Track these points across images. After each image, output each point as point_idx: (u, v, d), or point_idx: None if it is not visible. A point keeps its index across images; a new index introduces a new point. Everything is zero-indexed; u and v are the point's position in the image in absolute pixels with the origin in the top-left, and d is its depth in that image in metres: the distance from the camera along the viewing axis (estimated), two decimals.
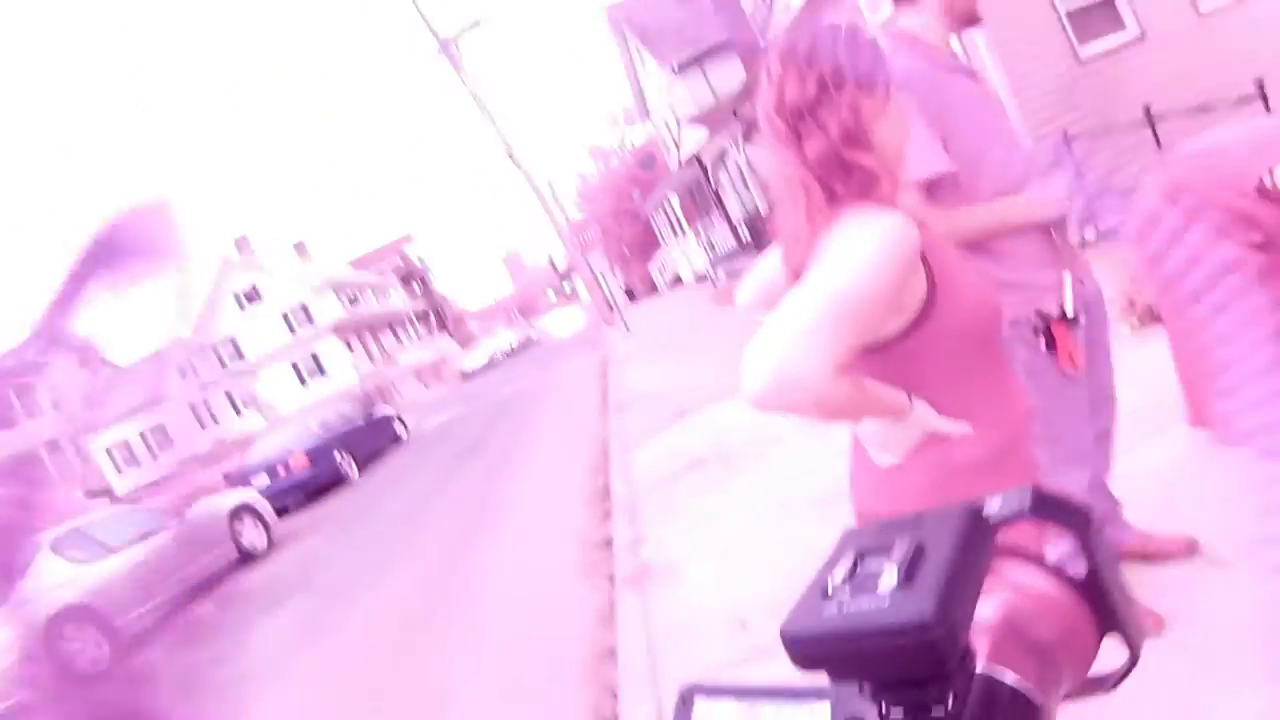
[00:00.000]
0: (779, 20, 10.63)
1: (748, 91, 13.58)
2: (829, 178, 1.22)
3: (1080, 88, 7.29)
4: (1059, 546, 0.47)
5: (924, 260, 1.22)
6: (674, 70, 21.33)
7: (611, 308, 22.38)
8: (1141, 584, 2.20)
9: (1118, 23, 7.60)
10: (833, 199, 1.22)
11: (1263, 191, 2.40)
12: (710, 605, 3.40)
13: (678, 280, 28.23)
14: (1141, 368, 3.65)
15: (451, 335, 55.63)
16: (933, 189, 1.85)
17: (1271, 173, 2.36)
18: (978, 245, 1.85)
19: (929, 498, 1.24)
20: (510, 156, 20.25)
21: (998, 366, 1.36)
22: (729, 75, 19.30)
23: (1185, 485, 2.71)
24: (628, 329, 18.34)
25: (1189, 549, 2.32)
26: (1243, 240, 2.45)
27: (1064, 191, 2.02)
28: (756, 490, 4.45)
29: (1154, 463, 2.90)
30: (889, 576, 0.39)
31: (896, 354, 1.24)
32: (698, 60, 20.86)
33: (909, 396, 1.25)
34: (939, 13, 1.97)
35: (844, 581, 0.40)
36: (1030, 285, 1.92)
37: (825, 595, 0.40)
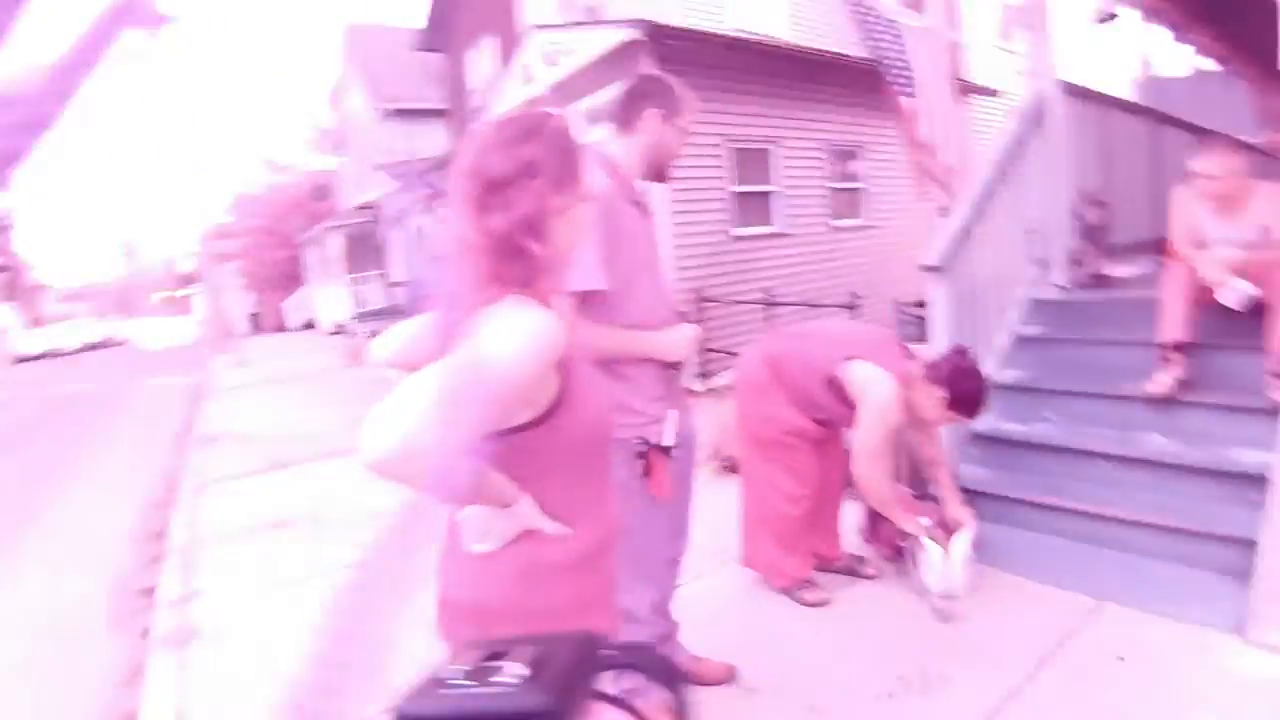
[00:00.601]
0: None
1: (446, 161, 13.64)
2: (500, 257, 1.23)
3: (727, 259, 8.41)
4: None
5: (562, 363, 1.26)
6: (383, 113, 20.77)
7: (229, 333, 20.09)
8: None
9: (767, 219, 9.00)
10: (498, 278, 1.22)
11: (829, 380, 2.88)
12: (257, 680, 2.97)
13: (310, 325, 26.22)
14: (715, 508, 4.15)
15: (18, 307, 45.46)
16: (584, 301, 1.96)
17: (837, 368, 2.86)
18: (606, 364, 1.96)
19: (513, 591, 1.28)
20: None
21: (602, 478, 1.42)
22: (433, 139, 19.22)
23: (731, 618, 3.03)
24: (241, 360, 16.51)
25: (729, 675, 2.59)
26: (810, 414, 2.95)
27: (690, 340, 2.21)
28: (343, 561, 4.09)
29: (709, 594, 3.20)
30: (514, 671, 0.46)
31: (517, 445, 1.25)
32: (410, 113, 20.56)
33: (518, 489, 1.26)
34: (640, 152, 2.16)
35: (465, 676, 0.46)
36: (642, 412, 2.08)
37: (444, 685, 0.45)
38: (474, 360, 1.14)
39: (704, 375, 7.70)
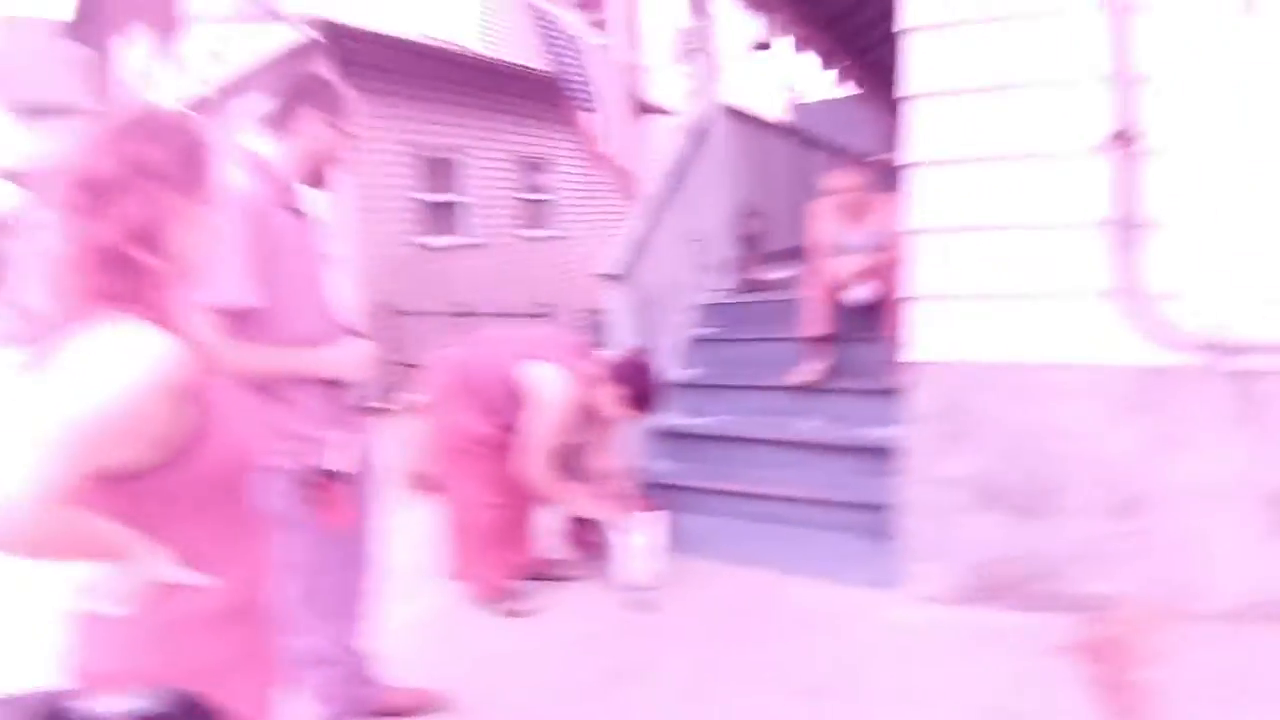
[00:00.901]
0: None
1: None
2: (105, 267, 1.04)
3: (417, 270, 8.13)
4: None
5: (195, 392, 1.09)
6: (15, 112, 17.52)
7: None
8: None
9: (457, 229, 8.87)
10: (101, 294, 1.04)
11: (507, 383, 2.92)
12: None
13: None
14: (414, 527, 3.97)
15: None
16: (236, 320, 1.79)
17: (513, 370, 2.90)
18: (265, 387, 1.81)
19: (154, 654, 1.11)
20: None
21: (249, 517, 1.26)
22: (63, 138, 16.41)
23: (440, 639, 2.91)
24: None
25: (431, 702, 2.45)
26: (495, 421, 2.93)
27: (364, 357, 2.05)
28: None
29: (414, 617, 3.04)
30: None
31: (144, 490, 1.07)
32: (49, 112, 17.52)
33: (143, 539, 1.07)
34: (298, 156, 2.00)
35: None
36: (310, 439, 1.91)
37: None
38: (65, 395, 0.96)
39: (396, 390, 7.37)
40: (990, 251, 2.73)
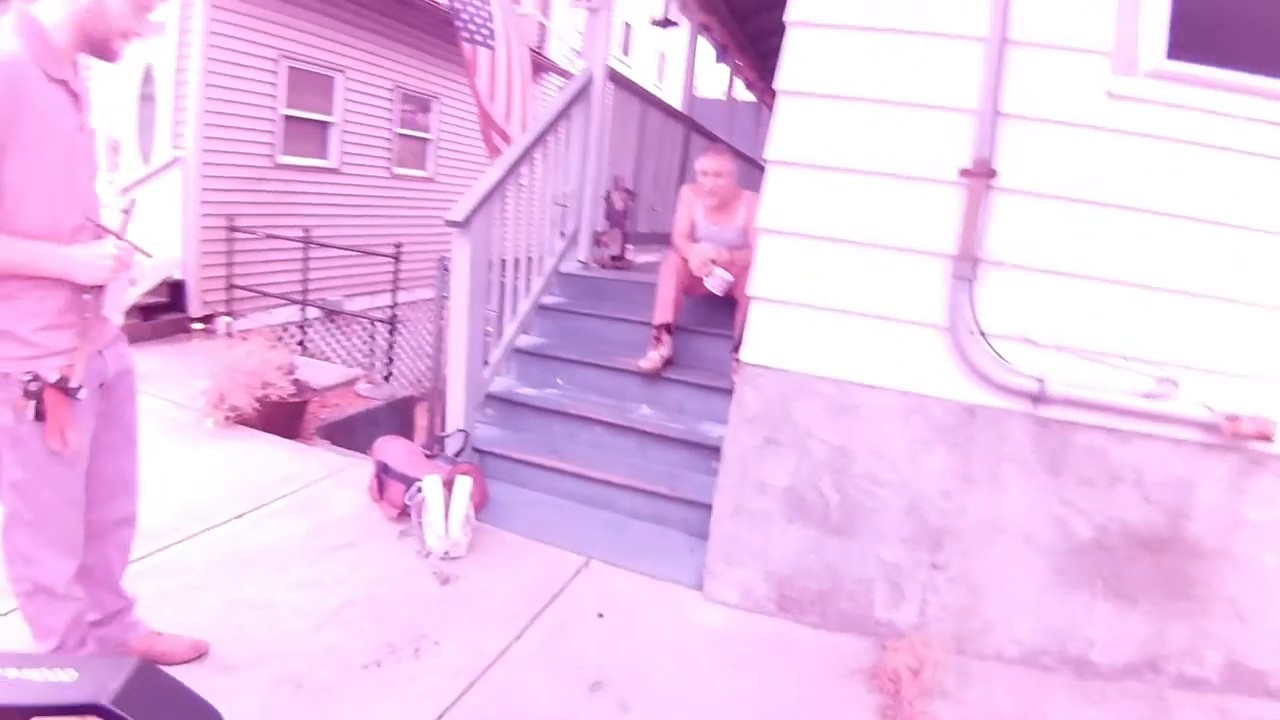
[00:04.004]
0: None
1: None
2: None
3: (267, 188, 7.52)
4: None
5: None
6: None
7: None
8: None
9: (322, 151, 8.27)
10: None
11: None
12: None
13: None
14: (212, 464, 3.67)
15: None
16: None
17: None
18: None
19: None
20: None
21: None
22: None
23: (213, 586, 2.66)
24: None
25: (194, 652, 2.27)
26: None
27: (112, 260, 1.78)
28: None
29: (185, 560, 2.78)
30: None
31: None
32: None
33: None
34: (72, 20, 1.70)
35: None
36: (38, 345, 1.71)
37: None
38: None
39: (229, 315, 6.81)
40: (831, 263, 2.71)
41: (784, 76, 2.67)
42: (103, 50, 1.78)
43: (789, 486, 2.81)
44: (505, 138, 5.66)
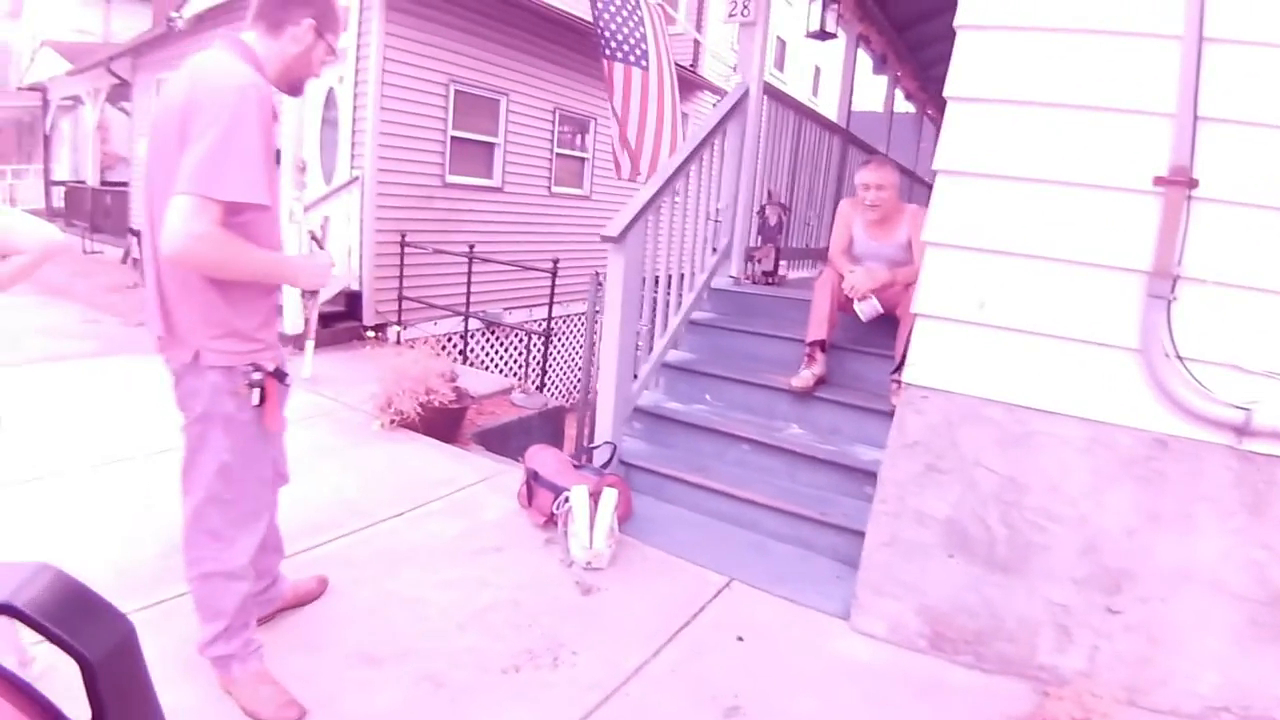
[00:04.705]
0: None
1: (139, 47, 11.41)
2: None
3: (436, 206, 7.97)
4: None
5: None
6: None
7: None
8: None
9: (486, 171, 8.69)
10: None
11: None
12: None
13: None
14: (374, 464, 3.89)
15: None
16: (236, 212, 1.72)
17: None
18: (218, 284, 1.81)
19: None
20: None
21: None
22: (132, 21, 16.27)
23: (366, 580, 2.78)
24: None
25: (322, 585, 2.66)
26: None
27: (327, 270, 2.07)
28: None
29: (345, 553, 2.94)
30: None
31: None
32: None
33: None
34: (284, 61, 1.92)
35: None
36: (257, 340, 1.90)
37: None
38: None
39: (399, 324, 7.25)
40: (1006, 279, 2.51)
41: (954, 82, 2.52)
42: (296, 89, 2.00)
43: (950, 518, 2.62)
44: (635, 161, 5.72)
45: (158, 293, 1.85)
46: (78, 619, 0.46)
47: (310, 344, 5.16)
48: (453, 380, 4.83)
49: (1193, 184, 2.21)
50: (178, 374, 1.89)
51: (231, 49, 1.81)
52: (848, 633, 2.75)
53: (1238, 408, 2.24)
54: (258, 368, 1.87)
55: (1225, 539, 2.30)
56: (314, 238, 2.25)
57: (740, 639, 2.64)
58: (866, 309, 3.63)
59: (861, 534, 2.90)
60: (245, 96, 1.67)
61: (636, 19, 5.44)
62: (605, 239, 3.48)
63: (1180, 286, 2.29)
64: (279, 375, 1.93)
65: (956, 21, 2.49)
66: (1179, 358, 2.31)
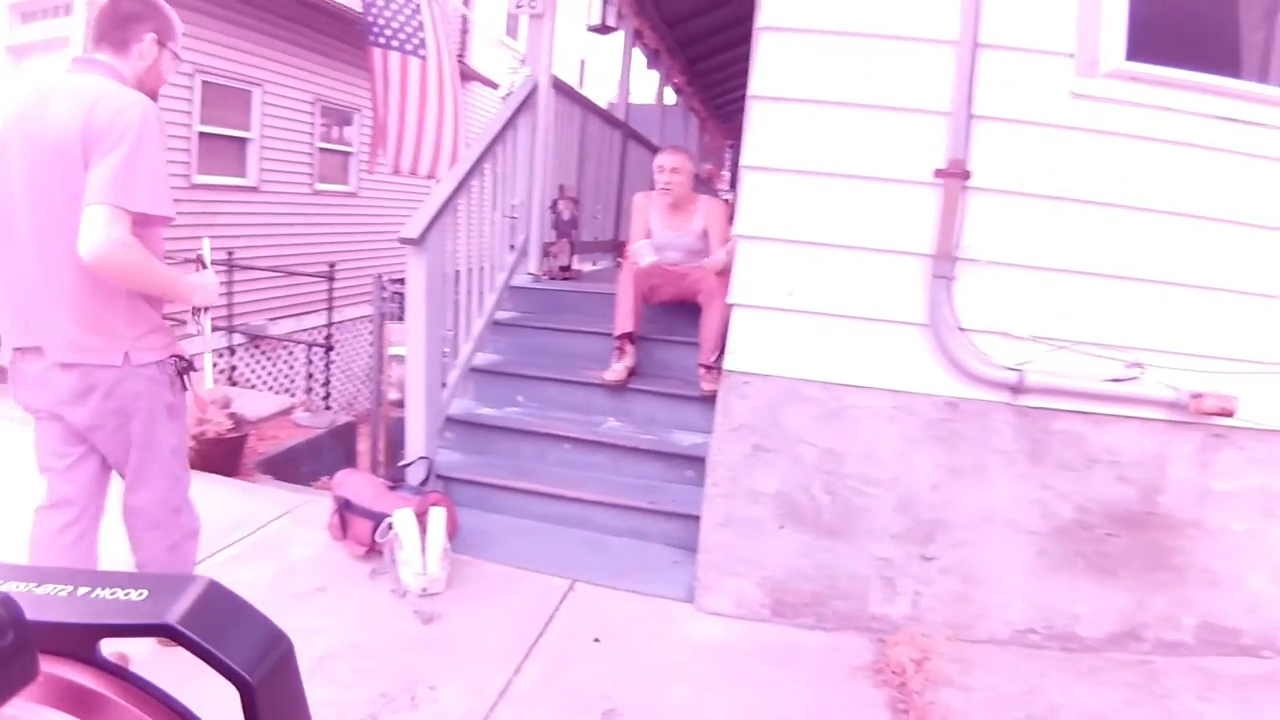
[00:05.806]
0: None
1: None
2: None
3: (184, 209, 7.13)
4: None
5: None
6: None
7: None
8: None
9: (240, 169, 7.91)
10: None
11: None
12: None
13: None
14: None
15: None
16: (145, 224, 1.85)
17: None
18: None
19: None
20: None
21: None
22: None
23: (173, 652, 2.42)
24: None
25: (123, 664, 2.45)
26: None
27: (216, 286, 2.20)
28: None
29: None
30: None
31: None
32: None
33: None
34: (136, 78, 1.98)
35: None
36: (170, 333, 2.07)
37: None
38: None
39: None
40: (813, 267, 2.70)
41: (757, 82, 2.65)
42: (153, 99, 1.97)
43: (780, 491, 2.79)
44: (397, 154, 5.53)
45: (73, 303, 1.86)
46: (239, 639, 0.43)
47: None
48: (226, 406, 4.37)
49: (967, 175, 2.50)
50: (99, 385, 1.92)
51: (106, 73, 1.89)
52: (696, 615, 2.84)
53: (1012, 369, 2.58)
54: (179, 358, 2.06)
55: (1014, 484, 2.65)
56: (199, 258, 2.23)
57: (597, 640, 2.63)
58: (669, 293, 3.78)
59: (692, 517, 3.01)
60: (147, 116, 1.79)
61: (413, 7, 5.17)
62: (404, 240, 3.28)
63: (959, 267, 2.59)
64: (190, 362, 2.11)
65: (758, 24, 2.62)
66: (961, 329, 2.61)
